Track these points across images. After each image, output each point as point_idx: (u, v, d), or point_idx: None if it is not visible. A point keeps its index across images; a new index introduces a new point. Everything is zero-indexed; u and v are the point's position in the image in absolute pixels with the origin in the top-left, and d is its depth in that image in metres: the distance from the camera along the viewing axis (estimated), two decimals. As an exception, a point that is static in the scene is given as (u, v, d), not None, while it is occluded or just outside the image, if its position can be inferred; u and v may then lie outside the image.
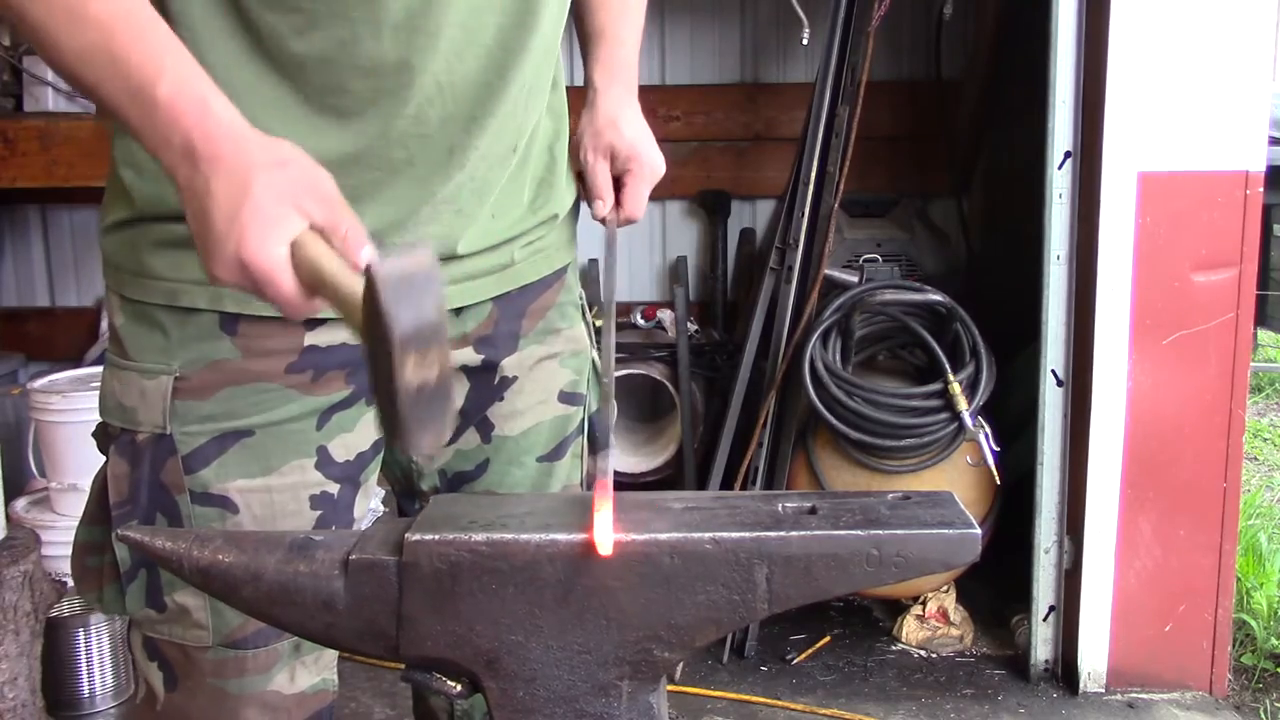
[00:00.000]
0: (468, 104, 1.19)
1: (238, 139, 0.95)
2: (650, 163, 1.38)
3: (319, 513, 1.25)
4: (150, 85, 0.95)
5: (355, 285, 0.88)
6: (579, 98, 1.40)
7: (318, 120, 1.14)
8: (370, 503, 1.34)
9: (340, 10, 1.10)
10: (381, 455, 1.33)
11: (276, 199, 0.92)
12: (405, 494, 1.45)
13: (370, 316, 0.84)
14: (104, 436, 1.26)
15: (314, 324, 1.21)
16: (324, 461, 1.25)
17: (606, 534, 0.92)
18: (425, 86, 1.16)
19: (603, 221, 1.38)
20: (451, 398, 0.88)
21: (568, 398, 1.42)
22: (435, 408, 0.86)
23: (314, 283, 0.92)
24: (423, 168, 1.20)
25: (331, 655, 1.31)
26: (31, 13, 0.97)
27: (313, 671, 1.29)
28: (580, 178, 1.41)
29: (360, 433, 1.27)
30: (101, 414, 1.25)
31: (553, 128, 1.37)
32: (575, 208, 1.44)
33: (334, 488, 1.26)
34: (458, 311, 1.30)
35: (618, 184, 1.37)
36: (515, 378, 1.37)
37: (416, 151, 1.19)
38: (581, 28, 1.44)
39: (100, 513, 1.24)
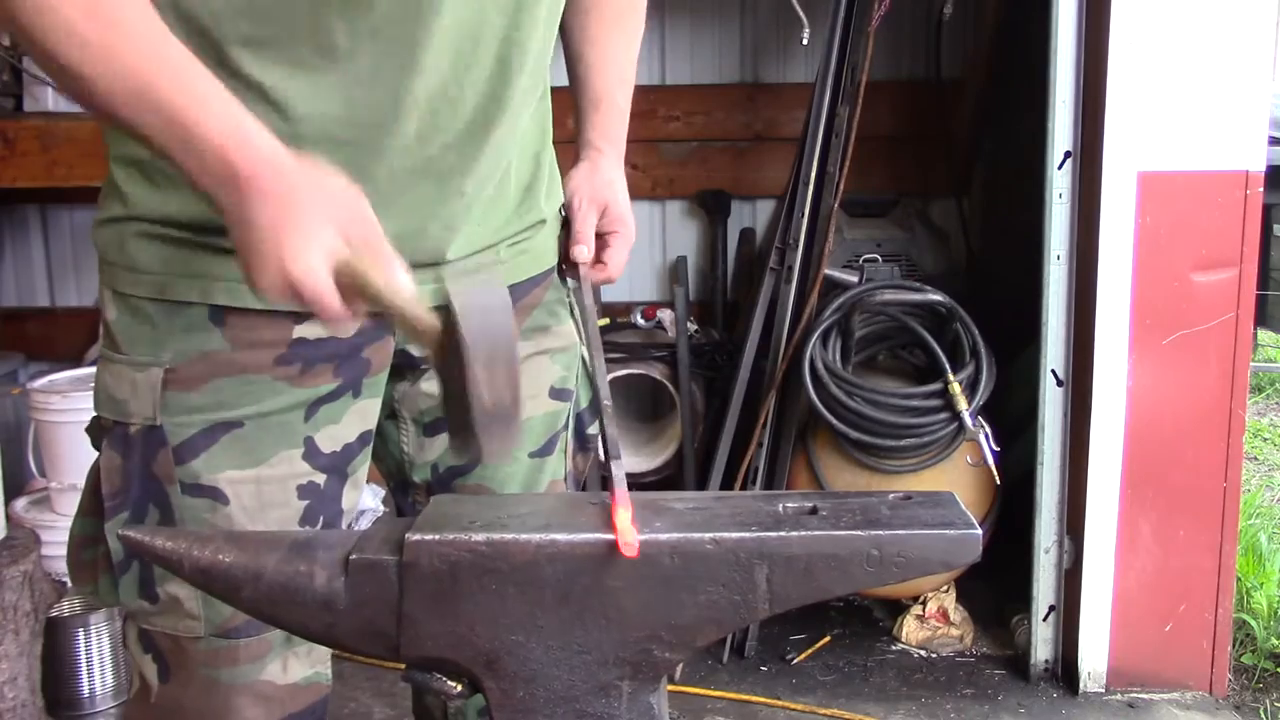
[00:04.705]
0: (443, 118, 1.20)
1: (278, 164, 1.01)
2: (632, 232, 1.46)
3: (306, 503, 1.26)
4: (192, 122, 1.00)
5: (404, 298, 0.99)
6: (558, 101, 1.42)
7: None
8: (360, 495, 1.35)
9: (321, 26, 1.11)
10: (370, 448, 1.34)
11: (316, 218, 0.99)
12: (399, 487, 1.47)
13: (448, 335, 0.93)
14: (98, 430, 1.27)
15: (302, 317, 1.22)
16: (311, 452, 1.26)
17: (630, 537, 0.92)
18: (401, 100, 1.17)
19: (574, 270, 1.43)
20: (520, 411, 0.96)
21: (557, 393, 1.44)
22: (505, 420, 0.94)
23: (359, 295, 1.00)
24: (402, 178, 1.21)
25: (325, 648, 1.31)
26: (62, 60, 1.00)
27: (306, 664, 1.30)
28: (564, 221, 1.45)
29: (347, 424, 1.29)
30: (95, 407, 1.27)
31: (539, 135, 1.39)
32: (561, 210, 1.46)
33: (321, 478, 1.27)
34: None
35: (600, 240, 1.44)
36: None
37: (405, 181, 1.20)
38: (581, 85, 1.49)
39: (94, 505, 1.25)
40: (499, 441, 0.95)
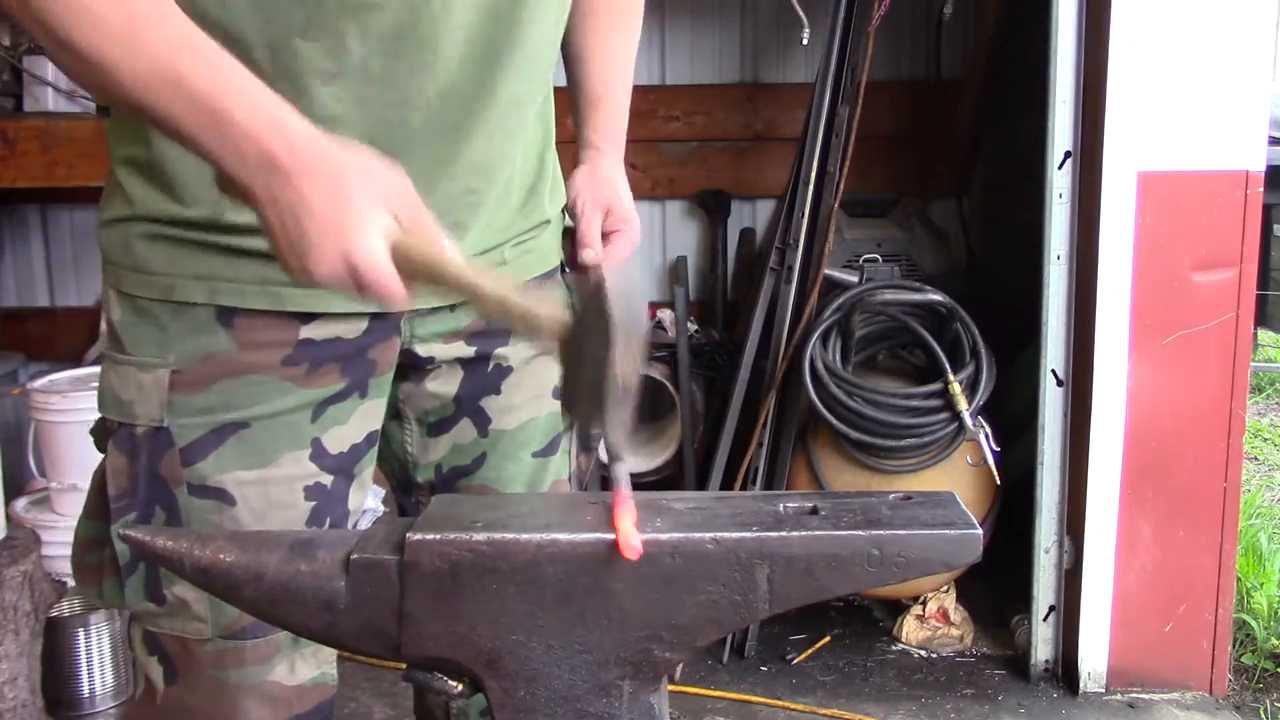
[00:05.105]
0: (453, 115, 1.20)
1: (323, 149, 0.99)
2: (636, 229, 1.45)
3: (313, 504, 1.26)
4: (223, 109, 0.97)
5: (485, 276, 1.00)
6: (558, 101, 1.42)
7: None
8: (365, 495, 1.35)
9: (333, 27, 1.11)
10: (376, 449, 1.34)
11: (368, 199, 0.98)
12: (402, 487, 1.47)
13: (590, 314, 0.94)
14: (102, 432, 1.27)
15: (308, 318, 1.22)
16: (318, 453, 1.26)
17: (632, 539, 0.92)
18: (412, 98, 1.17)
19: (583, 270, 1.42)
20: (635, 397, 0.98)
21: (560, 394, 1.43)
22: (629, 395, 0.96)
23: (416, 275, 1.00)
24: (425, 196, 1.20)
25: (331, 648, 1.31)
26: (82, 44, 0.97)
27: (312, 664, 1.30)
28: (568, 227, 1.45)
29: (353, 425, 1.29)
30: (100, 409, 1.26)
31: (542, 135, 1.39)
32: (564, 211, 1.47)
33: (328, 479, 1.27)
34: (452, 308, 1.32)
35: (604, 238, 1.43)
36: (512, 368, 1.38)
37: (416, 180, 1.19)
38: (580, 85, 1.48)
39: (100, 507, 1.25)
40: (623, 413, 0.96)
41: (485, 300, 0.99)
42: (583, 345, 0.95)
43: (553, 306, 1.00)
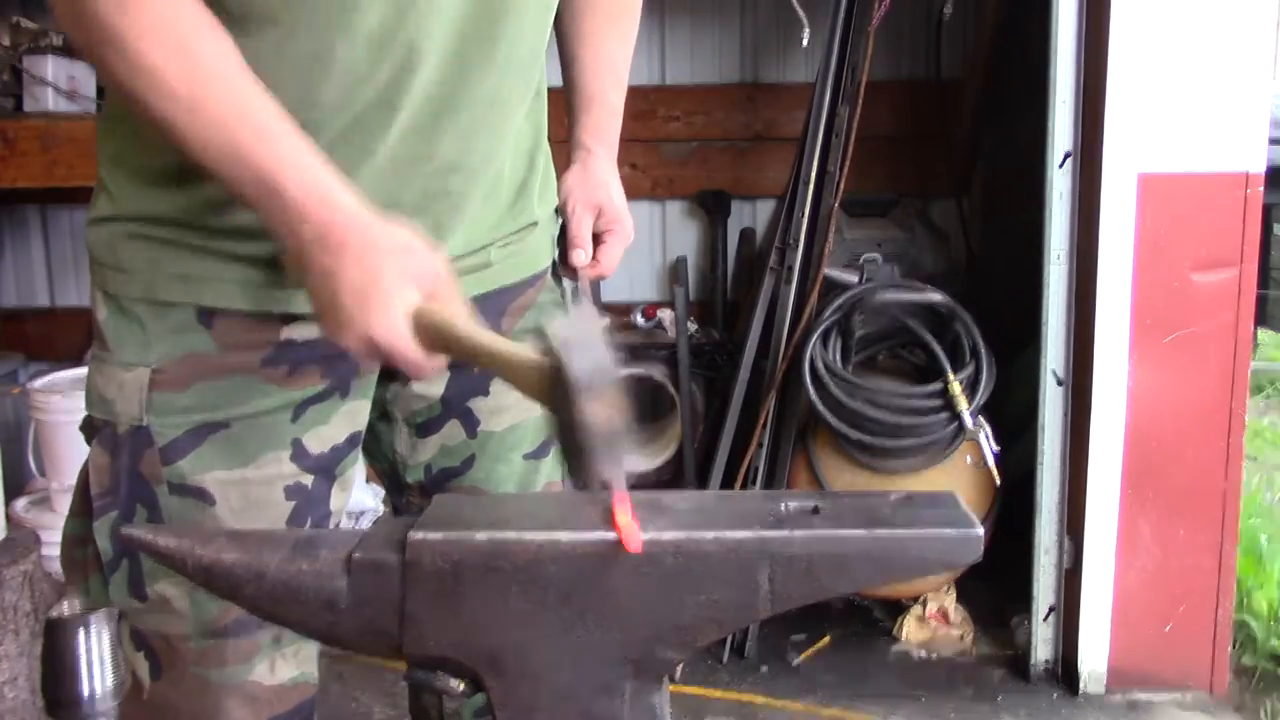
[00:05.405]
0: (430, 114, 1.20)
1: (363, 228, 1.05)
2: (629, 230, 1.46)
3: (293, 504, 1.26)
4: (276, 181, 1.04)
5: (498, 344, 1.04)
6: (555, 101, 1.42)
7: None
8: (348, 496, 1.35)
9: (316, 24, 1.11)
10: (359, 449, 1.34)
11: (398, 277, 1.04)
12: (393, 487, 1.47)
13: (553, 371, 0.97)
14: (89, 430, 1.27)
15: (290, 319, 1.22)
16: (299, 454, 1.26)
17: (634, 533, 0.93)
18: (394, 97, 1.17)
19: (573, 273, 1.42)
20: (626, 433, 0.99)
21: None
22: (616, 442, 0.97)
23: (441, 346, 1.06)
24: (386, 177, 1.20)
25: (312, 649, 1.32)
26: (149, 106, 1.05)
27: (293, 665, 1.30)
28: (562, 225, 1.45)
29: (334, 426, 1.29)
30: (86, 407, 1.27)
31: (532, 135, 1.39)
32: (557, 212, 1.46)
33: (308, 479, 1.27)
34: None
35: (596, 238, 1.44)
36: None
37: (379, 160, 1.19)
38: (573, 85, 1.48)
39: (84, 505, 1.25)
40: (614, 463, 0.97)
41: (494, 363, 1.03)
42: (554, 400, 0.98)
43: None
